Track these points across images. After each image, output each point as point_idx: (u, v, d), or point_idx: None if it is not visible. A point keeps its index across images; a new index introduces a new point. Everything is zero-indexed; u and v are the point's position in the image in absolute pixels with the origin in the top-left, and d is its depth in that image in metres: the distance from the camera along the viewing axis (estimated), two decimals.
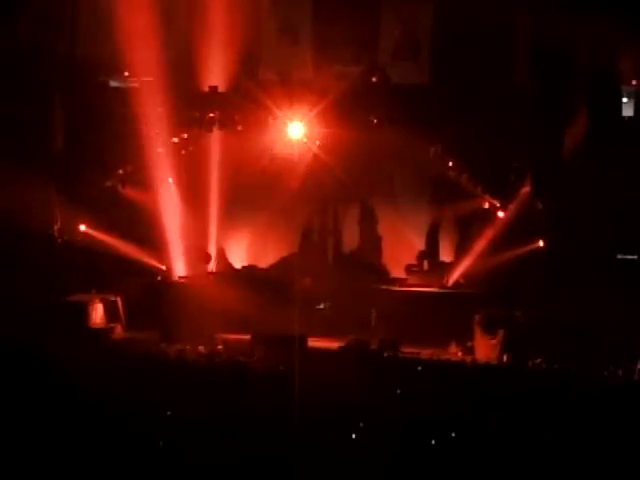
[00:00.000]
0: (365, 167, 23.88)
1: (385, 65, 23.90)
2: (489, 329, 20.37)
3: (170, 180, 23.45)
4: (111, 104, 23.19)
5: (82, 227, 23.04)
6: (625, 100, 23.52)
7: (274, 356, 18.47)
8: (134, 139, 22.66)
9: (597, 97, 22.64)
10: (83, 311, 21.28)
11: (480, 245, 22.92)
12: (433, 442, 13.28)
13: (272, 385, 15.64)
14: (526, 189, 22.80)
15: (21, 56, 22.73)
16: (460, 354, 20.52)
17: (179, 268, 23.19)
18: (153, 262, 23.10)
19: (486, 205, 23.25)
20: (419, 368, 17.82)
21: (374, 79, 23.80)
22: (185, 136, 23.33)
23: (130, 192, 23.46)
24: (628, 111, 23.65)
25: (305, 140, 23.31)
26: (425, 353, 20.05)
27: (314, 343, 20.36)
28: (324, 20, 24.01)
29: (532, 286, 21.54)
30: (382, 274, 23.87)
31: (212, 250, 23.84)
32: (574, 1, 22.17)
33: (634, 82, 23.45)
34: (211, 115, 23.30)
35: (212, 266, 23.71)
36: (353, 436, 13.49)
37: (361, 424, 13.82)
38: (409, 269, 23.74)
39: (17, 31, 22.76)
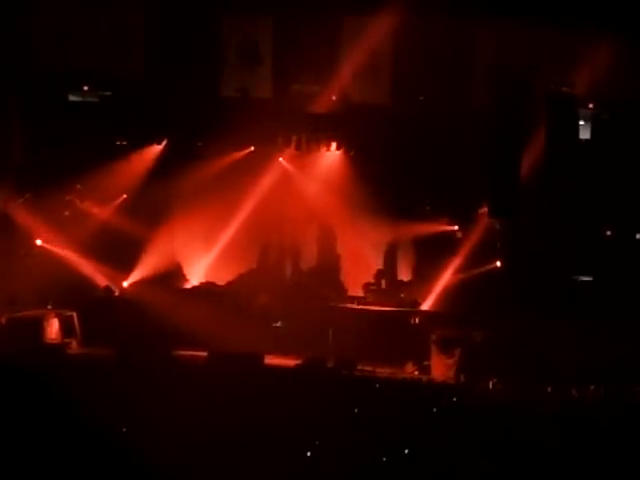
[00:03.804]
0: (324, 186, 23.97)
1: (345, 85, 23.97)
2: (445, 348, 20.45)
3: (124, 196, 23.48)
4: (70, 118, 23.16)
5: (38, 242, 22.90)
6: (582, 123, 23.74)
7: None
8: (91, 153, 22.70)
9: (554, 120, 22.84)
10: (38, 326, 21.13)
11: (438, 265, 23.08)
12: (384, 459, 13.32)
13: (228, 401, 15.62)
14: (483, 210, 22.96)
15: None
16: (416, 373, 20.57)
17: (136, 283, 23.12)
18: (110, 278, 23.01)
19: (444, 226, 23.42)
20: (376, 386, 17.86)
21: (334, 98, 23.88)
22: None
23: (88, 207, 23.44)
24: (585, 134, 23.87)
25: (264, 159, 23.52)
26: (382, 371, 20.09)
27: (271, 360, 20.38)
28: (285, 39, 24.08)
29: (489, 306, 21.65)
30: (340, 292, 23.86)
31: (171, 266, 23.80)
32: (533, 24, 22.39)
33: (591, 105, 23.67)
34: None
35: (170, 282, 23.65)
36: (308, 454, 13.49)
37: (317, 442, 13.81)
38: (367, 288, 23.78)
39: None
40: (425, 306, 22.85)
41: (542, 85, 22.79)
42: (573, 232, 22.85)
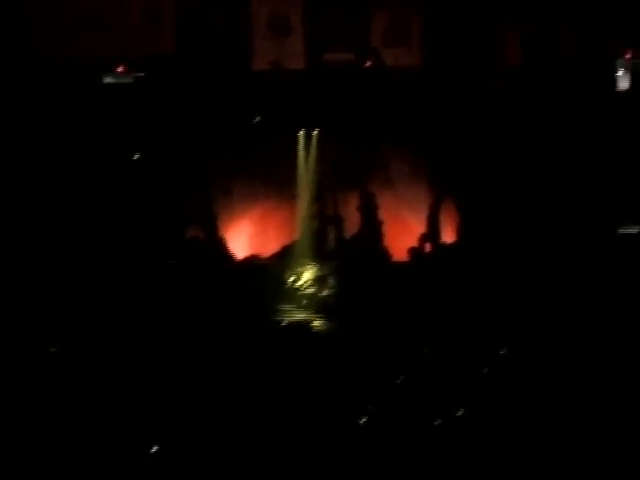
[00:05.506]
0: (363, 153, 23.97)
1: (378, 50, 23.94)
2: None
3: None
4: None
5: None
6: (620, 73, 23.44)
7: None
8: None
9: (588, 72, 22.70)
10: None
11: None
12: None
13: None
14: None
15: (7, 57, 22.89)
16: None
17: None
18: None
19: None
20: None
21: (368, 64, 23.87)
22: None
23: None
24: (624, 84, 23.58)
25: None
26: None
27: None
28: (315, 9, 24.07)
29: None
30: (384, 258, 23.79)
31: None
32: None
33: (629, 55, 23.39)
34: None
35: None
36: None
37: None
38: (411, 252, 23.69)
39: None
40: None
41: (572, 38, 22.73)
42: (616, 183, 22.73)
